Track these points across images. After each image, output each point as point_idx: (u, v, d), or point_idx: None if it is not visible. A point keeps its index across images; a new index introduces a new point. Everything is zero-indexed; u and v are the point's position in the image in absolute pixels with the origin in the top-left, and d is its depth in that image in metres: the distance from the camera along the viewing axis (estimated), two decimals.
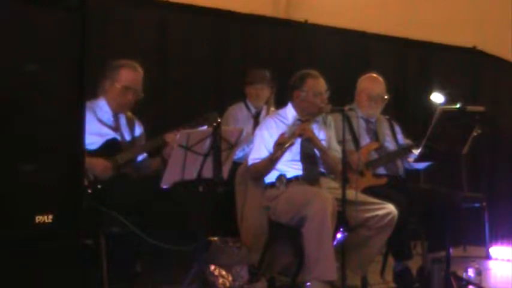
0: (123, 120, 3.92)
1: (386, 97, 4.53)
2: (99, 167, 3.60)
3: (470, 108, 3.80)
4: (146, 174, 3.87)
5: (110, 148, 3.72)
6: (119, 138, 3.83)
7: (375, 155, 4.44)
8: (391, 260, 4.35)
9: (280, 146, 3.89)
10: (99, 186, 3.56)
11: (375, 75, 4.58)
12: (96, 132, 3.73)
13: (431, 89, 6.11)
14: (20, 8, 2.50)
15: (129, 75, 3.83)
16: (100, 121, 3.79)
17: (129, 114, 3.98)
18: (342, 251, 3.66)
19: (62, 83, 2.59)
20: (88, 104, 3.73)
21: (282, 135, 3.98)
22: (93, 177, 3.57)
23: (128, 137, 3.91)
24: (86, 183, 3.52)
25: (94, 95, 3.87)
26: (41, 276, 2.49)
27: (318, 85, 4.13)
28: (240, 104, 5.18)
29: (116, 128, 3.86)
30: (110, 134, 3.79)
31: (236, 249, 3.98)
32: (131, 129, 3.95)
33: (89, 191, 3.52)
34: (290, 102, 4.24)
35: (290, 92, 4.22)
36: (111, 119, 3.86)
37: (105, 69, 3.87)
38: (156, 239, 3.34)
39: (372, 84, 4.52)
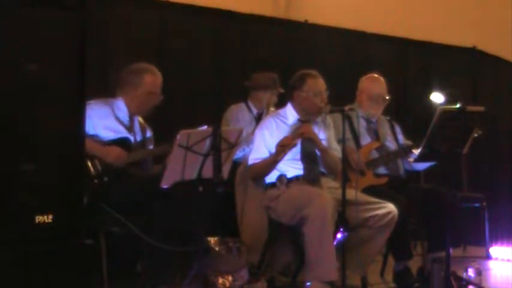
0: (136, 123, 3.98)
1: (387, 97, 4.53)
2: (115, 153, 3.64)
3: (470, 108, 3.80)
4: (147, 175, 3.87)
5: (121, 145, 3.75)
6: (131, 138, 3.87)
7: (375, 155, 4.44)
8: (391, 260, 4.35)
9: (282, 148, 3.89)
10: (105, 179, 3.58)
11: (376, 75, 4.58)
12: (111, 128, 3.78)
13: (431, 89, 6.11)
14: (20, 8, 2.50)
15: (152, 81, 3.90)
16: (117, 118, 3.85)
17: (140, 119, 4.03)
18: (342, 251, 3.66)
19: (62, 83, 2.59)
20: (106, 100, 3.86)
21: (284, 138, 3.98)
22: (101, 169, 3.59)
23: (139, 139, 3.95)
24: (92, 173, 3.54)
25: (110, 95, 3.92)
26: (41, 276, 2.49)
27: (317, 85, 4.13)
28: (241, 104, 5.17)
29: (130, 129, 3.90)
30: (124, 133, 3.84)
31: (236, 257, 3.98)
32: (143, 132, 4.01)
33: (95, 181, 3.54)
34: (290, 102, 4.24)
35: (290, 92, 4.22)
36: (127, 119, 3.91)
37: (124, 74, 3.91)
38: (156, 239, 3.34)
39: (373, 85, 4.53)
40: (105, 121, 3.76)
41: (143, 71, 3.90)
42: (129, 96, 3.89)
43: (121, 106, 3.89)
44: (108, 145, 3.70)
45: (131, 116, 3.94)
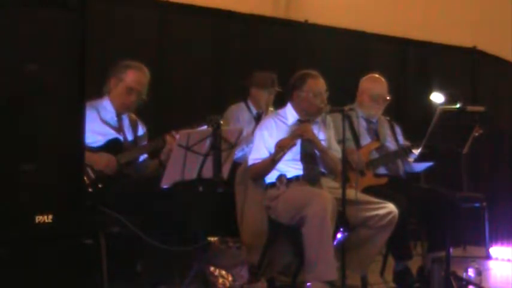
0: (126, 121, 3.93)
1: (388, 98, 4.52)
2: (104, 161, 3.62)
3: (470, 108, 3.81)
4: (146, 174, 3.87)
5: (111, 148, 3.73)
6: (121, 138, 3.84)
7: (375, 155, 4.44)
8: (391, 260, 4.35)
9: (281, 148, 3.89)
10: (99, 186, 3.57)
11: (377, 75, 4.58)
12: (99, 132, 3.74)
13: (431, 89, 6.11)
14: (20, 8, 2.50)
15: (135, 77, 3.84)
16: (103, 121, 3.81)
17: (133, 115, 4.00)
18: (342, 251, 3.66)
19: (62, 83, 2.60)
20: (92, 103, 3.78)
21: (283, 139, 3.98)
22: (94, 176, 3.58)
23: (130, 138, 3.92)
24: (86, 181, 3.53)
25: (98, 94, 3.88)
26: (41, 276, 2.49)
27: (318, 85, 4.13)
28: (241, 104, 5.17)
29: (119, 129, 3.87)
30: (113, 134, 3.80)
31: (236, 251, 3.97)
32: (134, 130, 3.97)
33: (89, 190, 3.53)
34: (290, 102, 4.23)
35: (290, 92, 4.22)
36: (115, 119, 3.87)
37: (112, 69, 3.88)
38: (156, 239, 3.34)
39: (374, 85, 4.52)
40: (91, 125, 3.65)
41: (128, 66, 3.85)
42: (113, 91, 3.85)
43: (107, 106, 3.84)
44: (97, 152, 3.67)
45: (119, 115, 3.88)
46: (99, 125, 3.77)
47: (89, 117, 3.65)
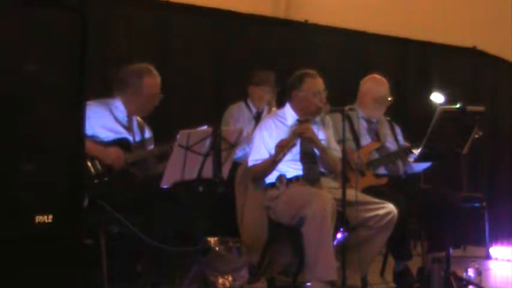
0: (135, 123, 3.98)
1: (390, 99, 4.52)
2: (113, 155, 3.66)
3: (470, 108, 3.80)
4: (148, 174, 3.87)
5: (120, 146, 3.76)
6: (131, 138, 3.87)
7: (375, 155, 4.43)
8: (391, 260, 4.35)
9: (282, 148, 3.89)
10: (105, 179, 3.58)
11: (379, 76, 4.56)
12: (110, 128, 3.80)
13: (431, 89, 6.11)
14: (20, 8, 2.50)
15: (150, 82, 3.90)
16: (116, 119, 3.86)
17: (139, 119, 4.02)
18: (342, 251, 3.66)
19: (62, 83, 2.59)
20: (102, 100, 3.86)
21: (283, 139, 3.98)
22: (101, 169, 3.60)
23: (138, 139, 3.96)
24: (93, 172, 3.56)
25: (101, 95, 3.92)
26: (41, 276, 2.49)
27: (316, 84, 4.12)
28: (240, 103, 5.17)
29: (129, 129, 3.91)
30: (123, 133, 3.85)
31: (236, 255, 3.98)
32: (142, 132, 4.01)
33: (96, 181, 3.54)
34: (288, 102, 4.23)
35: (289, 92, 4.21)
36: (126, 119, 3.91)
37: (122, 75, 3.91)
38: (156, 239, 3.34)
39: (378, 87, 4.50)
40: (103, 121, 3.76)
41: (142, 73, 3.89)
42: (128, 97, 3.90)
43: (119, 106, 3.89)
44: (107, 146, 3.70)
45: (130, 116, 3.93)
46: (111, 122, 3.82)
47: (101, 114, 3.78)
